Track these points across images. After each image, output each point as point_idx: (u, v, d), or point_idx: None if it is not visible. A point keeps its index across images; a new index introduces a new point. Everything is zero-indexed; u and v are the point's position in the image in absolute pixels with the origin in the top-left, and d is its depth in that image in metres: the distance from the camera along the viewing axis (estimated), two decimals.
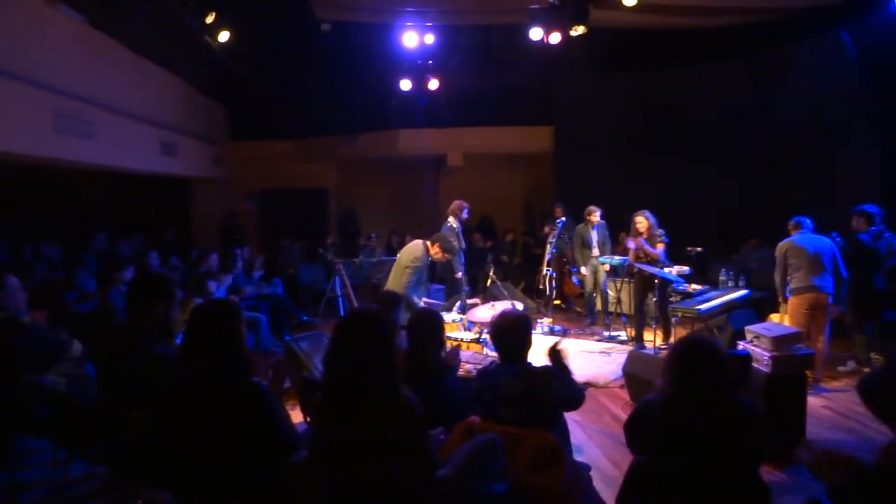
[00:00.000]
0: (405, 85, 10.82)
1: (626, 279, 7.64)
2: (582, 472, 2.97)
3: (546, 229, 9.69)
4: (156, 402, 2.40)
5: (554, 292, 8.32)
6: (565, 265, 9.34)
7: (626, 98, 11.21)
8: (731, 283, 7.12)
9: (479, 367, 3.37)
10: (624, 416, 2.69)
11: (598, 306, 8.38)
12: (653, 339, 6.77)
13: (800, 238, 5.68)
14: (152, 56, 9.37)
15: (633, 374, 5.01)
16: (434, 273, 8.05)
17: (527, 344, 3.05)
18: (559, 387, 2.94)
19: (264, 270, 8.52)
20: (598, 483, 3.33)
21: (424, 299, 6.12)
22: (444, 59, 10.78)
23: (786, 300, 5.83)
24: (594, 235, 8.09)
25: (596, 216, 8.05)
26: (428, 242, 5.86)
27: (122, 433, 2.77)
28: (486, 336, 5.82)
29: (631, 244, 6.99)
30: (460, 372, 3.91)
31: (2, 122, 6.20)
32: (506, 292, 8.17)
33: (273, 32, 10.87)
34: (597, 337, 7.58)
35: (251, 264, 8.37)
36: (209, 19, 7.93)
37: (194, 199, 13.10)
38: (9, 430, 3.35)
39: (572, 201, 9.60)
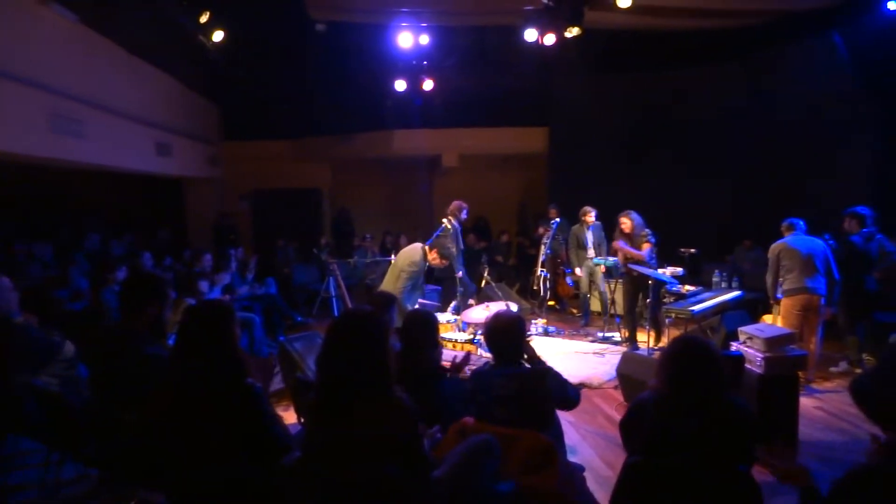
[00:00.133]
0: (400, 85, 10.81)
1: (619, 280, 7.65)
2: (576, 473, 2.98)
3: (540, 230, 9.71)
4: (149, 403, 2.39)
5: (548, 293, 8.33)
6: (559, 266, 9.35)
7: (621, 99, 11.23)
8: (724, 285, 7.15)
9: (474, 367, 3.36)
10: (618, 417, 2.70)
11: (597, 307, 8.39)
12: (646, 340, 6.79)
13: (793, 239, 5.71)
14: (147, 56, 9.33)
15: (627, 375, 5.02)
16: (431, 274, 8.06)
17: (521, 345, 3.06)
18: (554, 387, 2.95)
19: (257, 270, 8.50)
20: (591, 484, 3.34)
21: (420, 300, 6.12)
22: (439, 60, 10.78)
23: (777, 301, 5.86)
24: (589, 236, 8.09)
25: (591, 217, 8.05)
26: (426, 247, 5.86)
27: (114, 434, 2.76)
28: (480, 337, 5.83)
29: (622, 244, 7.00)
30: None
31: None
32: (500, 293, 8.19)
33: (267, 32, 10.84)
34: (591, 338, 7.59)
35: (245, 265, 8.35)
36: (203, 19, 7.91)
37: (188, 199, 13.04)
38: (0, 431, 3.33)
39: (567, 202, 9.62)
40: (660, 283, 6.59)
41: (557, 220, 8.43)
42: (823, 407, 5.07)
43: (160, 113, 10.03)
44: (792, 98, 9.08)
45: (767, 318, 6.14)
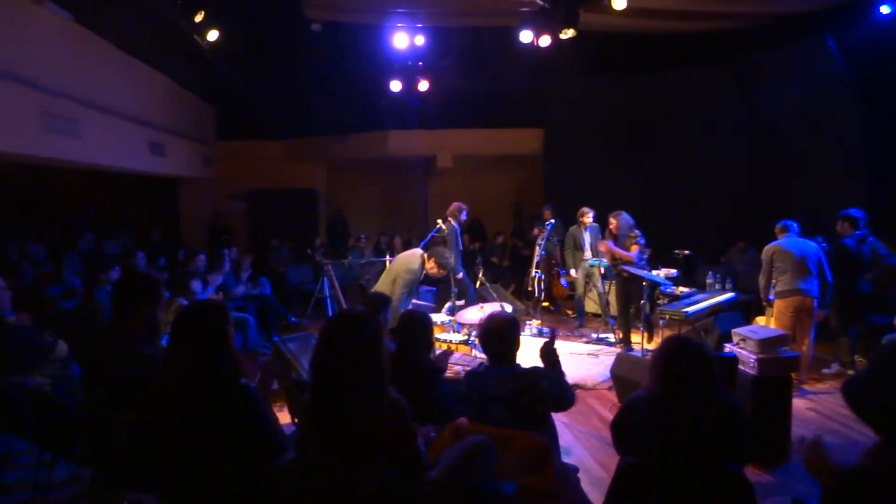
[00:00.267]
0: (395, 86, 10.81)
1: (612, 281, 7.66)
2: (570, 474, 2.98)
3: (535, 231, 9.72)
4: (142, 403, 2.38)
5: (543, 294, 8.34)
6: (554, 267, 9.36)
7: (616, 101, 11.27)
8: (718, 286, 7.17)
9: (468, 368, 3.37)
10: (611, 418, 2.71)
11: (593, 308, 8.38)
12: (640, 341, 6.80)
13: (786, 241, 5.73)
14: (141, 55, 9.30)
15: (621, 376, 5.03)
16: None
17: (515, 346, 3.06)
18: (549, 387, 2.95)
19: (251, 271, 8.48)
20: (585, 485, 3.35)
21: (414, 301, 6.12)
22: (435, 61, 10.78)
23: (769, 303, 5.89)
24: (587, 237, 8.06)
25: (589, 218, 8.04)
26: (425, 255, 5.86)
27: (107, 435, 2.74)
28: (474, 338, 5.83)
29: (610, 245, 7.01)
30: (448, 373, 3.92)
31: None
32: (495, 294, 8.19)
33: (263, 32, 10.82)
34: (585, 339, 7.60)
35: (239, 265, 8.33)
36: (198, 18, 7.88)
37: (182, 199, 13.00)
38: None
39: (561, 203, 9.64)
40: (653, 284, 6.60)
41: (552, 221, 8.42)
42: (816, 408, 5.10)
43: (154, 112, 9.99)
44: (785, 100, 9.12)
45: (761, 320, 6.17)
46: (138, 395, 2.41)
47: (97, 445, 2.90)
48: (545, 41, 8.30)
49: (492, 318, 3.10)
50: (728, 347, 4.57)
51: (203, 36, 8.17)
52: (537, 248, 8.13)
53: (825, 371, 6.03)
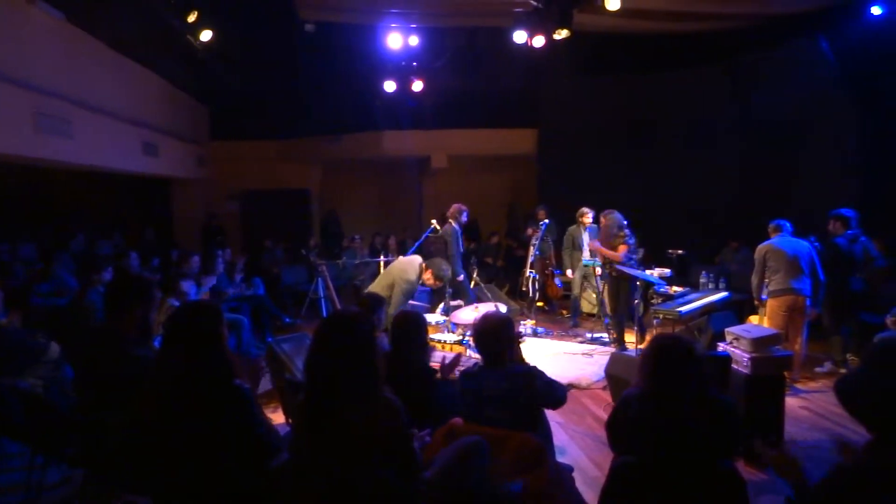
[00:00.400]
0: (389, 86, 10.80)
1: (606, 281, 7.66)
2: (564, 474, 2.99)
3: (529, 231, 9.72)
4: (135, 404, 2.37)
5: (537, 294, 8.34)
6: (548, 267, 9.37)
7: (610, 101, 11.28)
8: (711, 286, 7.20)
9: (463, 369, 3.37)
10: (606, 418, 2.71)
11: (589, 308, 8.38)
12: (634, 340, 6.81)
13: (779, 241, 5.76)
14: (134, 55, 9.26)
15: (616, 376, 5.04)
16: None
17: (509, 346, 3.06)
18: (541, 387, 2.96)
19: (245, 271, 8.46)
20: (580, 484, 3.35)
21: (409, 301, 6.12)
22: (429, 61, 10.78)
23: (761, 302, 5.91)
24: (586, 237, 8.03)
25: (588, 218, 8.02)
26: (423, 265, 5.87)
27: (100, 436, 2.73)
28: (468, 338, 5.83)
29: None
30: None
31: None
32: (490, 294, 8.19)
33: (256, 32, 10.81)
34: (579, 339, 7.61)
35: (233, 266, 8.30)
36: (191, 18, 7.85)
37: (175, 199, 12.96)
38: None
39: (555, 204, 9.65)
40: (646, 283, 6.61)
41: (546, 221, 8.43)
42: (809, 407, 5.12)
43: (147, 112, 9.95)
44: (777, 101, 9.15)
45: (753, 319, 6.19)
46: (131, 397, 2.40)
47: (90, 447, 2.89)
48: (539, 42, 8.31)
49: (486, 319, 3.10)
50: (721, 346, 4.58)
51: (196, 36, 8.15)
52: (531, 248, 8.14)
53: (818, 370, 6.05)
